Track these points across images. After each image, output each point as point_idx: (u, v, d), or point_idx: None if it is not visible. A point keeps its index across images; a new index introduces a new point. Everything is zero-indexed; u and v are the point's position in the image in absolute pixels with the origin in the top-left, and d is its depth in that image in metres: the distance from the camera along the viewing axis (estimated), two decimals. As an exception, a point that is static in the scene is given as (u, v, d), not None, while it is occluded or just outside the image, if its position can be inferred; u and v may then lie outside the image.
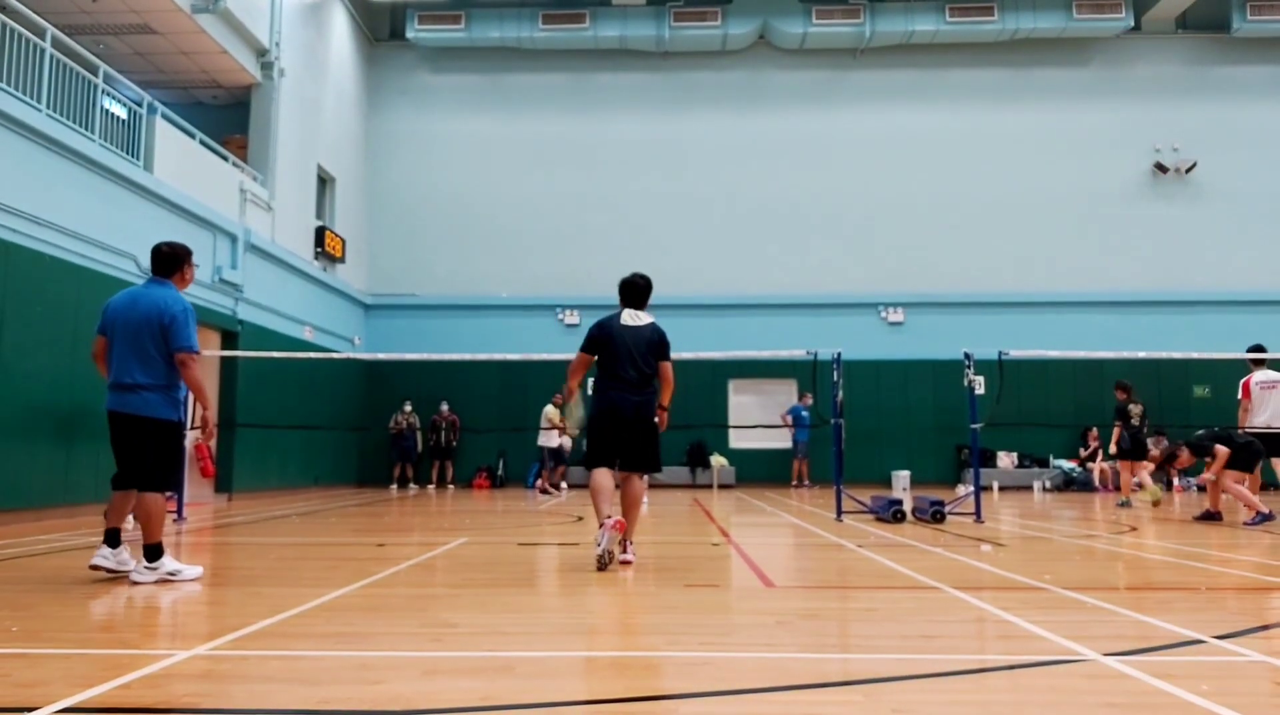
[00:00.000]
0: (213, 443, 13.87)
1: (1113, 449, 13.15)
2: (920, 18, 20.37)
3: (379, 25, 21.63)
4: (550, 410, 16.42)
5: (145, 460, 5.04)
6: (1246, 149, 20.49)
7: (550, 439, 16.67)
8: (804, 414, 17.93)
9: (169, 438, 5.10)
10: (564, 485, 17.26)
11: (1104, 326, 19.48)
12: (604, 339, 5.95)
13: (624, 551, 5.76)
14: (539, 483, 16.81)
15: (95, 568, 5.08)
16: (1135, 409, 12.76)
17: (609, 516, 5.61)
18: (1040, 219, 20.42)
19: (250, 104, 15.98)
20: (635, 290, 6.09)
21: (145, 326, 5.02)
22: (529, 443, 18.06)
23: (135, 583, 4.89)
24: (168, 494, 5.46)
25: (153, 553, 4.98)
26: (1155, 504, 12.02)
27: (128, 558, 5.17)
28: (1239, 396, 10.57)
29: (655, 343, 5.96)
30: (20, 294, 9.51)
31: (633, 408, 5.83)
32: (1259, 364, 10.60)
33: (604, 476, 5.83)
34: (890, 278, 20.37)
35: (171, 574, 4.98)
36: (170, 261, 5.31)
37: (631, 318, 6.02)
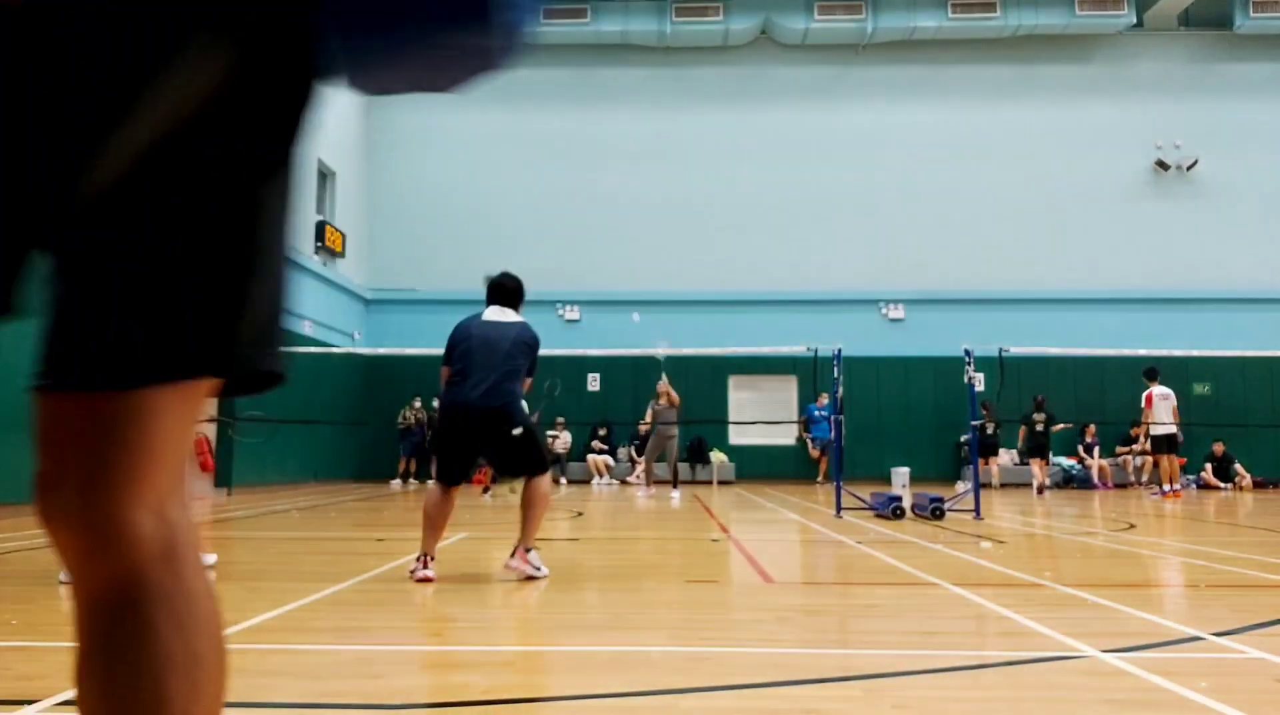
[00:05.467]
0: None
1: (1020, 447, 16.48)
2: (922, 14, 20.34)
3: (380, 19, 21.57)
4: None
5: None
6: (1249, 146, 20.46)
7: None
8: (817, 413, 18.07)
9: None
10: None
11: (1104, 324, 19.46)
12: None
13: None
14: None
15: None
16: (1038, 416, 15.75)
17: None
18: (1041, 215, 20.41)
19: (251, 98, 15.93)
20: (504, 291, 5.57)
21: None
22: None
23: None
24: None
25: None
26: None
27: None
28: (1142, 405, 13.93)
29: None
30: (20, 287, 9.50)
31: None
32: (1153, 381, 13.83)
33: None
34: (891, 274, 20.36)
35: None
36: None
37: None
